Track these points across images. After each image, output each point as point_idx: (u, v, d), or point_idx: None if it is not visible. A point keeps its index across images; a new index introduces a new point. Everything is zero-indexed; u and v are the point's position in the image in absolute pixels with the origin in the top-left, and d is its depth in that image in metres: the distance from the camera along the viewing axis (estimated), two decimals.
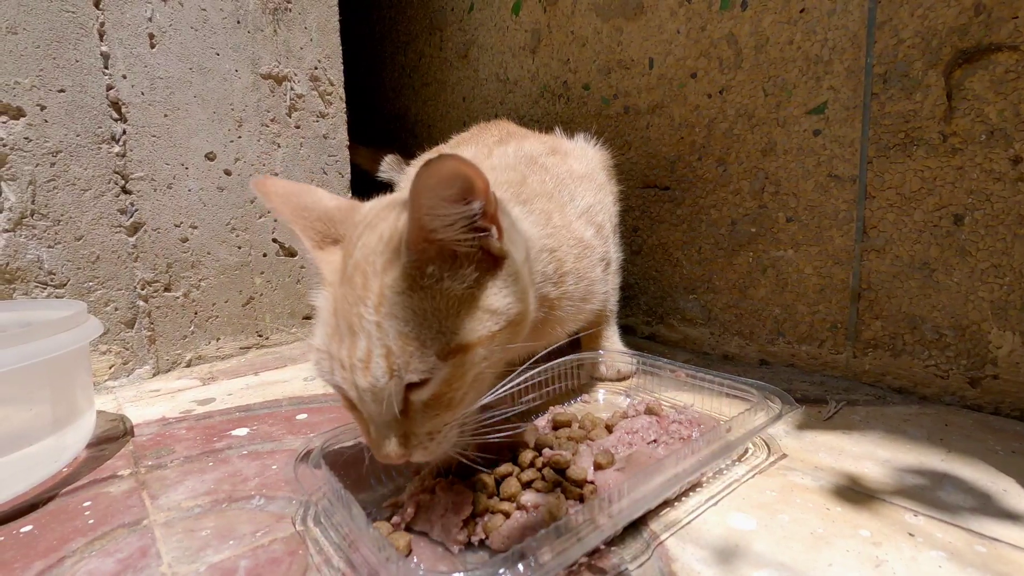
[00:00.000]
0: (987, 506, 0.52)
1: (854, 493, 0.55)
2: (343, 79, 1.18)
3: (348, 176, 1.20)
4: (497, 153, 0.79)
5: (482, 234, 0.49)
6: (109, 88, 0.89)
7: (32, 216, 0.84)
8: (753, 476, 0.59)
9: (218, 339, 1.05)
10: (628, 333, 1.10)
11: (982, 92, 0.68)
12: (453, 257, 0.48)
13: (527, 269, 0.56)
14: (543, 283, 0.63)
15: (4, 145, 0.81)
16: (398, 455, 0.47)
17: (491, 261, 0.50)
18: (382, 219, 0.51)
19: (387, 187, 1.17)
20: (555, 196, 0.74)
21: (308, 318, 1.16)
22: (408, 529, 0.49)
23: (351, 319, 0.46)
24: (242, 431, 0.74)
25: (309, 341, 0.51)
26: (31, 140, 0.83)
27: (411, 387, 0.46)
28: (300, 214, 0.54)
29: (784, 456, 0.62)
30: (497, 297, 0.50)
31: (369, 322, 0.45)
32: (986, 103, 0.68)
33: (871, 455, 0.62)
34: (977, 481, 0.56)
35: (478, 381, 0.50)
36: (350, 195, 1.21)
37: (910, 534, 0.49)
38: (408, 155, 0.91)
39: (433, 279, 0.47)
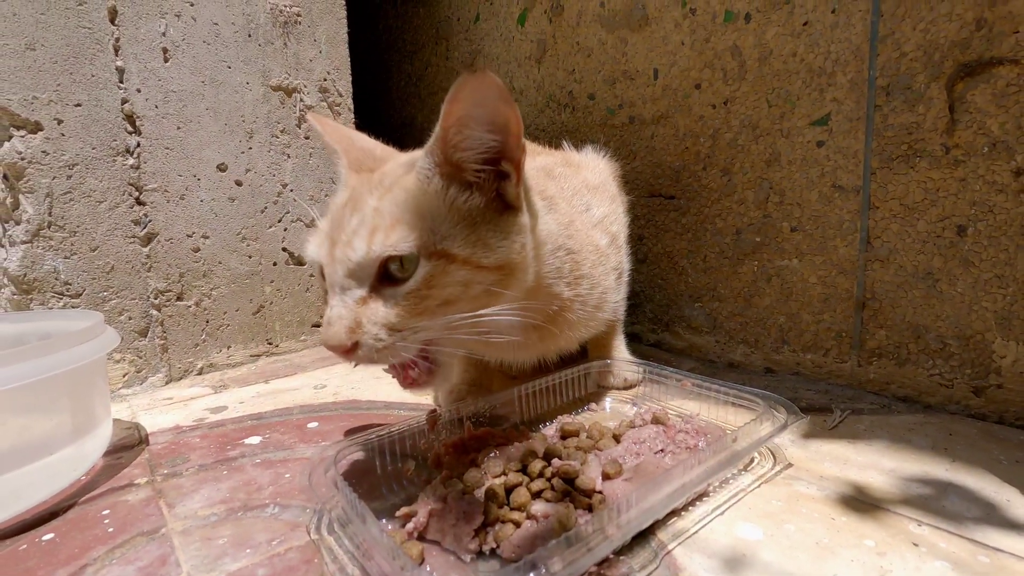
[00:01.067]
0: (991, 516, 0.53)
1: (859, 503, 0.56)
2: (351, 89, 1.19)
3: None
4: None
5: (502, 178, 0.54)
6: (124, 102, 0.91)
7: (49, 228, 0.85)
8: (759, 486, 0.59)
9: (229, 347, 1.06)
10: (634, 340, 1.11)
11: (984, 105, 0.69)
12: (466, 185, 0.54)
13: (532, 242, 0.59)
14: (557, 280, 0.65)
15: (23, 159, 0.83)
16: (343, 339, 0.49)
17: (501, 206, 0.55)
18: (399, 159, 0.61)
19: None
20: (574, 203, 0.75)
21: (317, 326, 1.18)
22: (420, 538, 0.50)
23: (356, 205, 0.53)
24: (255, 439, 0.75)
25: (317, 228, 0.58)
26: (48, 154, 0.85)
27: (386, 280, 0.51)
28: (345, 142, 0.64)
29: (790, 465, 0.63)
30: (493, 234, 0.54)
31: (368, 206, 0.52)
32: (988, 116, 0.69)
33: (876, 464, 0.63)
34: (981, 491, 0.57)
35: (448, 305, 0.52)
36: None
37: (914, 544, 0.49)
38: None
39: (441, 188, 0.53)
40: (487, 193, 0.54)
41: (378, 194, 0.54)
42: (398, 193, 0.53)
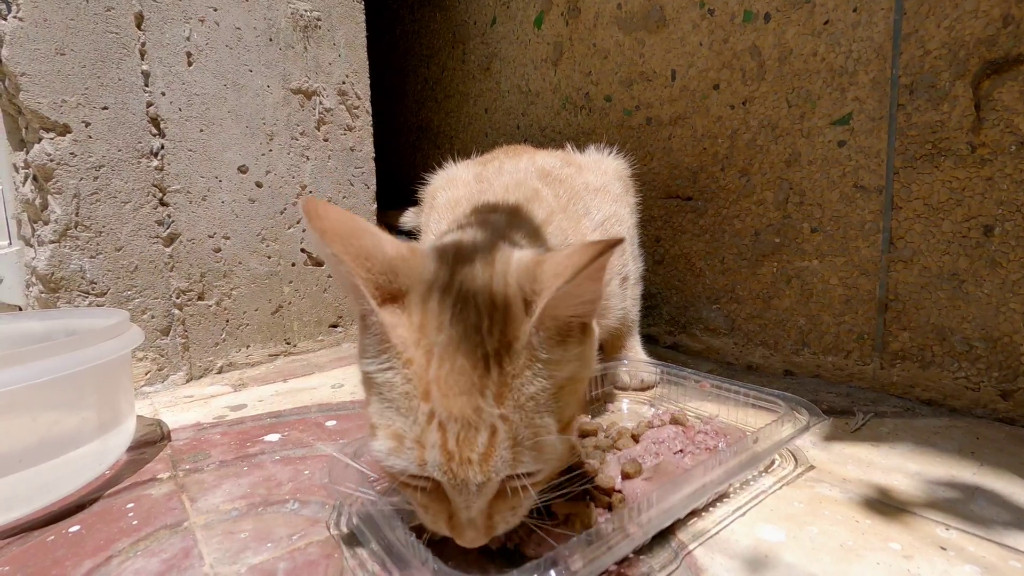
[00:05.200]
0: (1022, 521, 0.52)
1: (884, 506, 0.55)
2: (369, 93, 1.21)
3: (374, 188, 1.23)
4: (508, 168, 0.77)
5: (589, 308, 0.45)
6: (149, 105, 0.93)
7: (76, 228, 0.87)
8: (780, 488, 0.59)
9: (248, 346, 1.07)
10: (651, 343, 1.10)
11: (1011, 103, 0.68)
12: (567, 333, 0.44)
13: None
14: None
15: (51, 160, 0.85)
16: (483, 540, 0.44)
17: (583, 328, 0.47)
18: (466, 281, 0.45)
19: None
20: (569, 209, 0.73)
21: (335, 326, 1.19)
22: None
23: (458, 409, 0.40)
24: (274, 437, 0.76)
25: (380, 422, 0.43)
26: (76, 155, 0.87)
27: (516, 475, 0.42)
28: (363, 263, 0.44)
29: (812, 468, 0.62)
30: (587, 365, 0.48)
31: (490, 415, 0.40)
32: (1016, 114, 0.68)
33: (901, 468, 0.62)
34: (1011, 495, 0.56)
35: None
36: (376, 207, 1.24)
37: (942, 548, 0.48)
38: (428, 168, 0.93)
39: (552, 362, 0.43)
40: (576, 330, 0.47)
41: (491, 393, 0.41)
42: (517, 392, 0.42)
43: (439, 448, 0.40)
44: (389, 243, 0.47)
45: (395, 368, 0.42)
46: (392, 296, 0.44)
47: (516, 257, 0.47)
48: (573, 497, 0.51)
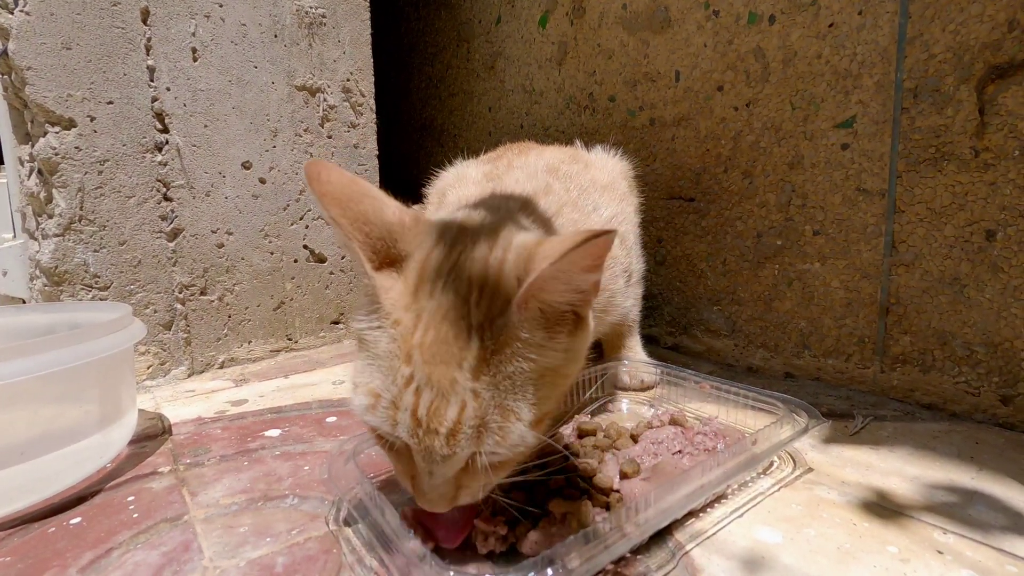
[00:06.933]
0: (1019, 525, 0.52)
1: (882, 509, 0.55)
2: (374, 90, 1.21)
3: (377, 185, 1.23)
4: (518, 164, 0.78)
5: (582, 298, 0.45)
6: (154, 100, 0.93)
7: (80, 222, 0.88)
8: (779, 489, 0.59)
9: (250, 342, 1.08)
10: (651, 343, 1.10)
11: (1015, 108, 0.68)
12: (556, 320, 0.44)
13: None
14: None
15: (56, 154, 0.85)
16: (442, 508, 0.44)
17: (576, 321, 0.46)
18: (465, 252, 0.45)
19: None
20: (579, 205, 0.74)
21: (336, 323, 1.19)
22: None
23: (436, 377, 0.40)
24: (274, 432, 0.76)
25: (361, 380, 0.44)
26: (81, 149, 0.87)
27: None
28: (360, 227, 0.44)
29: (810, 470, 0.62)
30: (575, 360, 0.47)
31: (464, 388, 0.40)
32: (1020, 119, 0.67)
33: (899, 471, 0.62)
34: (1010, 500, 0.56)
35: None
36: None
37: (939, 551, 0.48)
38: (431, 166, 0.93)
39: (535, 345, 0.42)
40: (567, 321, 0.47)
41: (468, 366, 0.41)
42: (495, 368, 0.42)
43: (410, 412, 0.41)
44: (392, 209, 0.47)
45: (383, 328, 0.43)
46: (390, 260, 0.45)
47: (520, 238, 0.47)
48: (570, 496, 0.51)
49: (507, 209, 0.58)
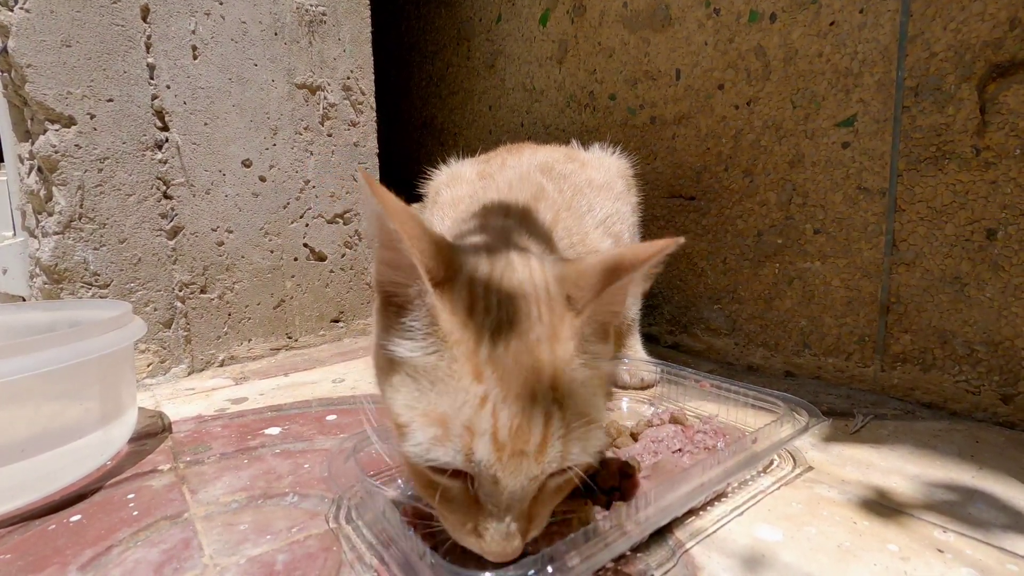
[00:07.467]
0: (1020, 524, 0.52)
1: (882, 507, 0.55)
2: (374, 88, 1.21)
3: None
4: (511, 163, 0.77)
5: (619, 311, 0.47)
6: (154, 98, 0.93)
7: (80, 220, 0.88)
8: (779, 488, 0.59)
9: (250, 340, 1.08)
10: (651, 342, 1.10)
11: (1017, 106, 0.68)
12: (605, 328, 0.45)
13: None
14: None
15: (56, 152, 0.85)
16: (519, 548, 0.41)
17: (609, 329, 0.47)
18: (507, 271, 0.45)
19: None
20: (573, 206, 0.73)
21: (336, 321, 1.19)
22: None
23: (515, 392, 0.38)
24: (274, 430, 0.76)
25: (417, 409, 0.41)
26: (81, 147, 0.87)
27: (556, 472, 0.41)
28: (417, 244, 0.41)
29: (810, 468, 0.62)
30: (611, 363, 0.49)
31: (546, 399, 0.38)
32: (1021, 117, 0.67)
33: (900, 470, 0.62)
34: (1010, 499, 0.56)
35: None
36: None
37: (939, 550, 0.48)
38: (432, 165, 0.93)
39: (594, 354, 0.43)
40: (608, 329, 0.49)
41: (547, 378, 0.40)
42: (570, 378, 0.42)
43: (490, 435, 0.37)
44: (430, 230, 0.45)
45: (441, 351, 0.40)
46: (437, 281, 0.42)
47: (546, 260, 0.48)
48: (570, 495, 0.51)
49: (506, 232, 0.57)
